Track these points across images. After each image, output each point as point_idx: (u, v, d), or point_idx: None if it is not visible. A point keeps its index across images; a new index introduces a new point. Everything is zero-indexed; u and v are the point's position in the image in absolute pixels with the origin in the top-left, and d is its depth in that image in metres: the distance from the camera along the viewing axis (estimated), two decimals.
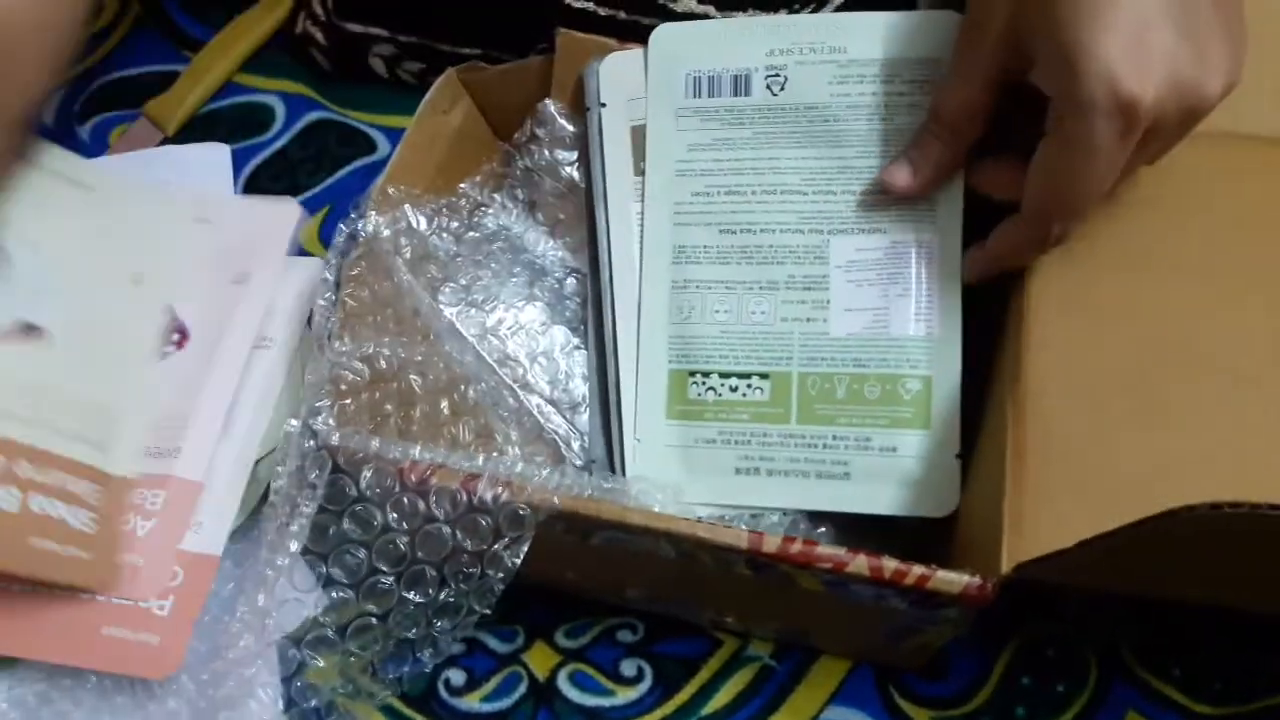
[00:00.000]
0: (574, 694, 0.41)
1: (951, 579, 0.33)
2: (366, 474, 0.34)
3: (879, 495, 0.40)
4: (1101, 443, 0.32)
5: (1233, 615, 0.39)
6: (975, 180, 0.39)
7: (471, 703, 0.41)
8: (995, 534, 0.33)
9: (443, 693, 0.41)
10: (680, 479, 0.41)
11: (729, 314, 0.41)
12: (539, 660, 0.42)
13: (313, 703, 0.36)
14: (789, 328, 0.41)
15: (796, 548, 0.33)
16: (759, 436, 0.41)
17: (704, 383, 0.41)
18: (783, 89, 0.41)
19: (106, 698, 0.39)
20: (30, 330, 0.41)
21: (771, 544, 0.33)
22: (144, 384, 0.43)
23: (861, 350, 0.40)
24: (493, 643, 0.42)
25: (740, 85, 0.42)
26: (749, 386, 0.41)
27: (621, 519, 0.34)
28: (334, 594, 0.35)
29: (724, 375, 0.41)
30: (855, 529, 0.40)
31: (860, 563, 0.33)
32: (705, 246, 0.42)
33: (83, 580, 0.39)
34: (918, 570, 0.33)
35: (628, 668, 0.42)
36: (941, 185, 0.40)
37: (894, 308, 0.40)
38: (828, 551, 0.33)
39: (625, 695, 0.41)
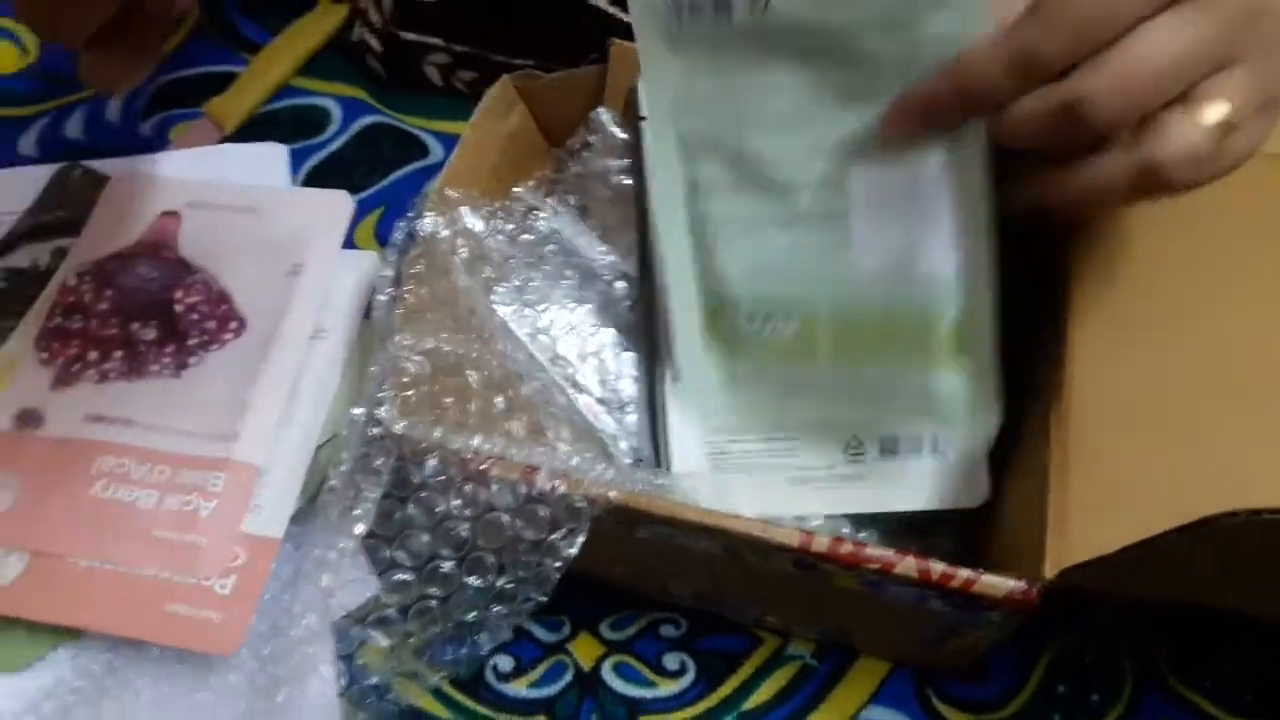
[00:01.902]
0: (618, 684, 0.42)
1: (997, 582, 0.34)
2: (431, 462, 0.36)
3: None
4: (1143, 454, 0.33)
5: (1266, 626, 0.40)
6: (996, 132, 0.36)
7: (519, 689, 0.42)
8: (1038, 540, 0.34)
9: (490, 678, 0.42)
10: (723, 421, 0.41)
11: (753, 249, 0.40)
12: (584, 651, 0.43)
13: (372, 680, 0.37)
14: (811, 263, 0.40)
15: (846, 548, 0.34)
16: (792, 377, 0.41)
17: (733, 320, 0.41)
18: (767, 6, 0.37)
19: (169, 670, 0.40)
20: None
21: (821, 544, 0.35)
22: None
23: (889, 286, 0.39)
24: (540, 632, 0.43)
25: (721, 4, 0.38)
26: (777, 326, 0.41)
27: (674, 514, 0.36)
28: (396, 576, 0.36)
29: (750, 316, 0.41)
30: (894, 534, 0.42)
31: (909, 564, 0.34)
32: (718, 181, 0.40)
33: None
34: (964, 573, 0.34)
35: (670, 661, 0.43)
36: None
37: (922, 244, 0.38)
38: (876, 552, 0.34)
39: (668, 688, 0.42)
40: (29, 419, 0.45)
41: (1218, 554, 0.31)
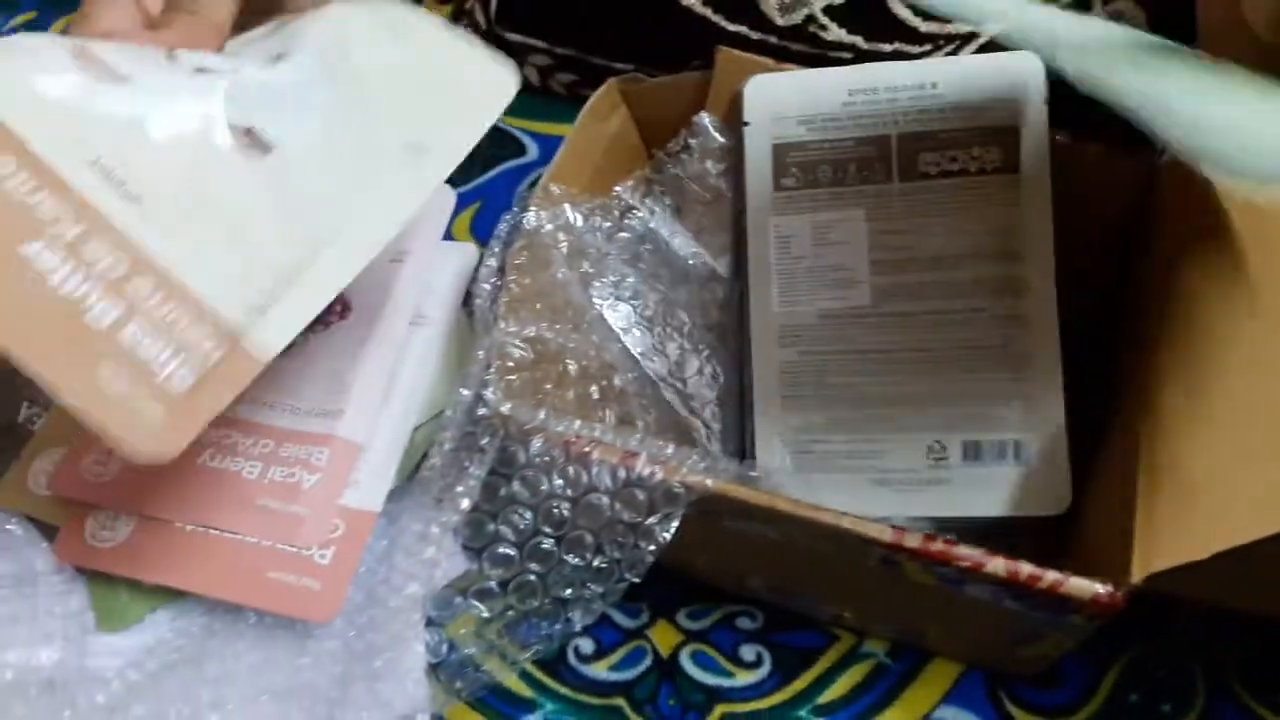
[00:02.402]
0: (695, 671, 0.43)
1: (1084, 585, 0.34)
2: (535, 443, 0.37)
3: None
4: (1237, 460, 0.34)
5: None
6: None
7: (599, 670, 0.43)
8: (1121, 546, 0.35)
9: (572, 659, 0.43)
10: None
11: None
12: (662, 637, 0.44)
13: (462, 653, 0.39)
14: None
15: (937, 545, 0.36)
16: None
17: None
18: None
19: (267, 634, 0.42)
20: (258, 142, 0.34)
21: (913, 539, 0.36)
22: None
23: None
24: (619, 618, 0.44)
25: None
26: None
27: (768, 505, 0.37)
28: (499, 550, 0.37)
29: None
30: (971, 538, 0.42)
31: (997, 564, 0.35)
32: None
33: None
34: (1052, 575, 0.35)
35: (747, 652, 0.44)
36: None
37: None
38: (966, 551, 0.35)
39: (744, 678, 0.43)
40: None
41: None
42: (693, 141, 0.48)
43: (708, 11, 0.50)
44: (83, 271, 0.28)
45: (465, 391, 0.40)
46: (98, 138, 0.30)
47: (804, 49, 0.51)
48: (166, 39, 0.34)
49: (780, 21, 0.50)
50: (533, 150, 0.57)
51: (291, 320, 0.32)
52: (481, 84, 0.37)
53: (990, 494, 0.42)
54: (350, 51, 0.35)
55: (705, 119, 0.48)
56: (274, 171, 0.32)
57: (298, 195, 0.33)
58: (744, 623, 0.45)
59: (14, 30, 0.63)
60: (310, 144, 0.33)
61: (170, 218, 0.30)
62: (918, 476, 0.43)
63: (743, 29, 0.51)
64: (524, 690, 0.43)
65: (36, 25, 0.63)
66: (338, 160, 0.33)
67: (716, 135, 0.48)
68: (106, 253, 0.29)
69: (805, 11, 0.50)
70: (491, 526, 0.37)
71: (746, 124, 0.46)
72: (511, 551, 0.37)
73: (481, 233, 0.53)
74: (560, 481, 0.37)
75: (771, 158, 0.46)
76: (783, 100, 0.46)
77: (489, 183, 0.56)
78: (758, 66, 0.47)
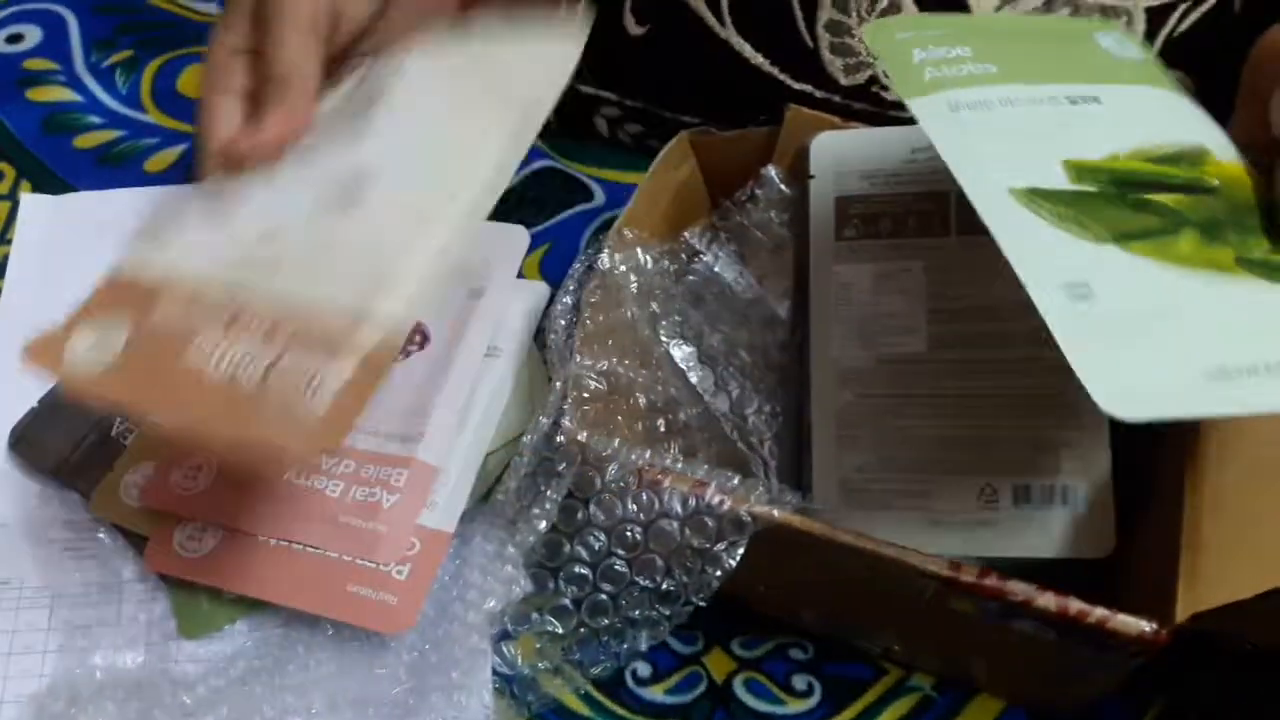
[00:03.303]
0: (749, 699, 0.45)
1: (1130, 622, 0.36)
2: (610, 469, 0.39)
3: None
4: (1276, 506, 0.36)
5: None
6: None
7: (656, 694, 0.45)
8: (1166, 587, 0.37)
9: (630, 682, 0.45)
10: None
11: None
12: (717, 665, 0.46)
13: (541, 665, 0.41)
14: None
15: (991, 580, 0.37)
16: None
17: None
18: None
19: (344, 645, 0.44)
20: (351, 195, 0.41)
21: (969, 574, 0.38)
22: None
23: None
24: (675, 644, 0.46)
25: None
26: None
27: (830, 536, 0.39)
28: (575, 569, 0.40)
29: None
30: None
31: (1048, 599, 0.37)
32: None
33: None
34: (1099, 612, 0.37)
35: (799, 682, 0.45)
36: None
37: None
38: (1018, 586, 0.37)
39: (796, 707, 0.45)
40: None
41: None
42: (759, 192, 0.51)
43: (775, 70, 0.53)
44: (235, 343, 0.36)
45: (543, 420, 0.42)
46: (232, 251, 0.39)
47: (866, 107, 0.53)
48: (271, 126, 0.43)
49: (844, 81, 0.53)
50: (599, 196, 0.60)
51: (408, 287, 0.37)
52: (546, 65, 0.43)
53: (1038, 536, 0.44)
54: (420, 100, 0.43)
55: (771, 171, 0.51)
56: (368, 209, 0.40)
57: (394, 209, 0.40)
58: (796, 653, 0.46)
59: (111, 68, 0.67)
60: (400, 178, 0.41)
61: (298, 270, 0.38)
62: (969, 517, 0.45)
63: (808, 88, 0.54)
64: (584, 709, 0.45)
65: (132, 63, 0.66)
66: (426, 181, 0.40)
67: (781, 186, 0.50)
68: (253, 316, 0.37)
69: (869, 73, 0.52)
70: (568, 548, 0.40)
71: (812, 176, 0.49)
72: (586, 571, 0.40)
73: (550, 272, 0.56)
74: (633, 507, 0.39)
75: (834, 209, 0.49)
76: (847, 155, 0.49)
77: (558, 225, 0.59)
78: (824, 124, 0.50)
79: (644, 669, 0.46)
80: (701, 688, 0.45)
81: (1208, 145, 0.38)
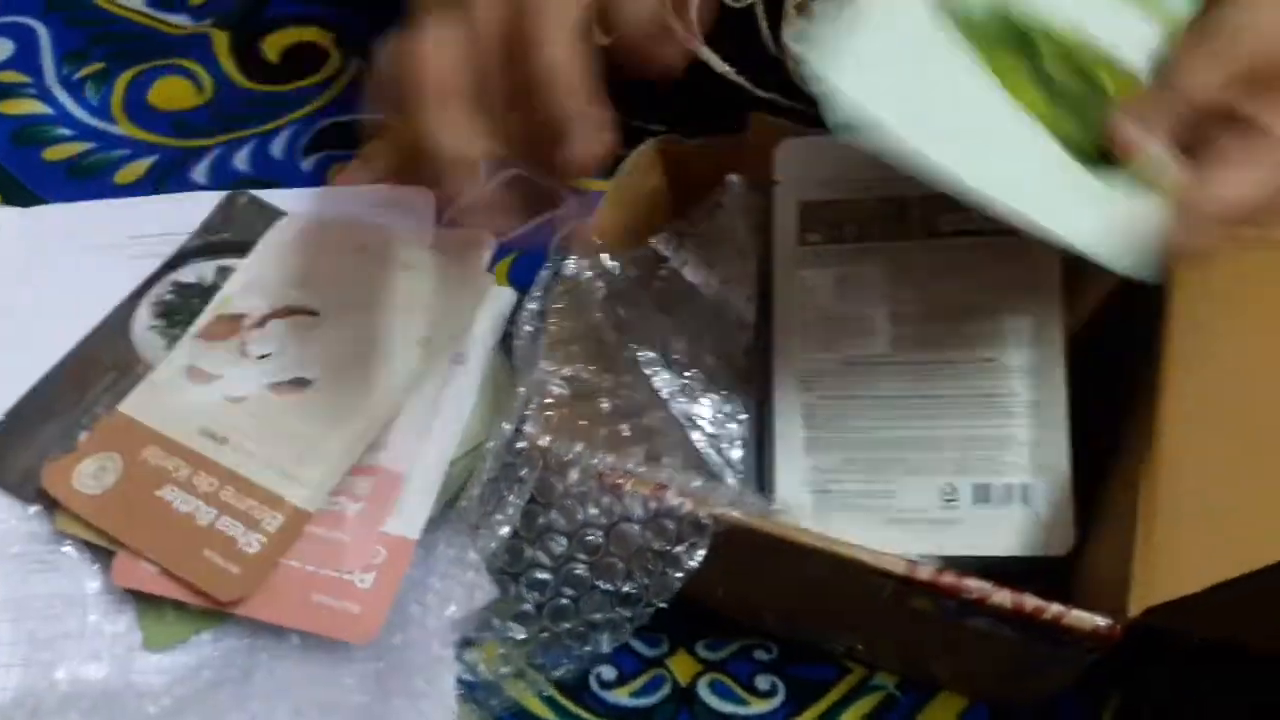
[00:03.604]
0: (713, 700, 0.45)
1: (1085, 617, 0.37)
2: (572, 474, 0.40)
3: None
4: (1230, 503, 0.36)
5: None
6: None
7: (620, 696, 0.45)
8: (1120, 583, 0.37)
9: (594, 686, 0.45)
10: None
11: None
12: (681, 667, 0.46)
13: (503, 670, 0.41)
14: None
15: (947, 578, 0.38)
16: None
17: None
18: None
19: (310, 654, 0.44)
20: (299, 383, 0.49)
21: (925, 572, 0.38)
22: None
23: None
24: (640, 647, 0.46)
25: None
26: None
27: (788, 536, 0.39)
28: (536, 575, 0.40)
29: None
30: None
31: (1004, 596, 0.37)
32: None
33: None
34: (1055, 608, 0.37)
35: (762, 682, 0.46)
36: None
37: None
38: (975, 584, 0.38)
39: (759, 707, 0.45)
40: None
41: None
42: (724, 199, 0.51)
43: (741, 79, 0.54)
44: (193, 494, 0.46)
45: (506, 425, 0.42)
46: (200, 414, 0.48)
47: None
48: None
49: (809, 89, 0.53)
50: (568, 203, 0.61)
51: (326, 483, 0.46)
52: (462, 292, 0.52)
53: (998, 534, 0.44)
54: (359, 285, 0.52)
55: (735, 179, 0.51)
56: (311, 397, 0.48)
57: (329, 403, 0.48)
58: (760, 654, 0.47)
59: (82, 80, 0.67)
60: (337, 369, 0.49)
61: (246, 444, 0.47)
62: (929, 516, 0.45)
63: (773, 95, 0.54)
64: (548, 714, 0.45)
65: (104, 75, 0.67)
66: (359, 373, 0.49)
67: (746, 193, 0.51)
68: (206, 478, 0.46)
69: None
70: (529, 553, 0.40)
71: (776, 182, 0.49)
72: (547, 576, 0.40)
73: (518, 278, 0.56)
74: (594, 511, 0.39)
75: (798, 214, 0.49)
76: (811, 162, 0.49)
77: (526, 233, 0.59)
78: (788, 131, 0.50)
79: (609, 672, 0.46)
80: (666, 690, 0.45)
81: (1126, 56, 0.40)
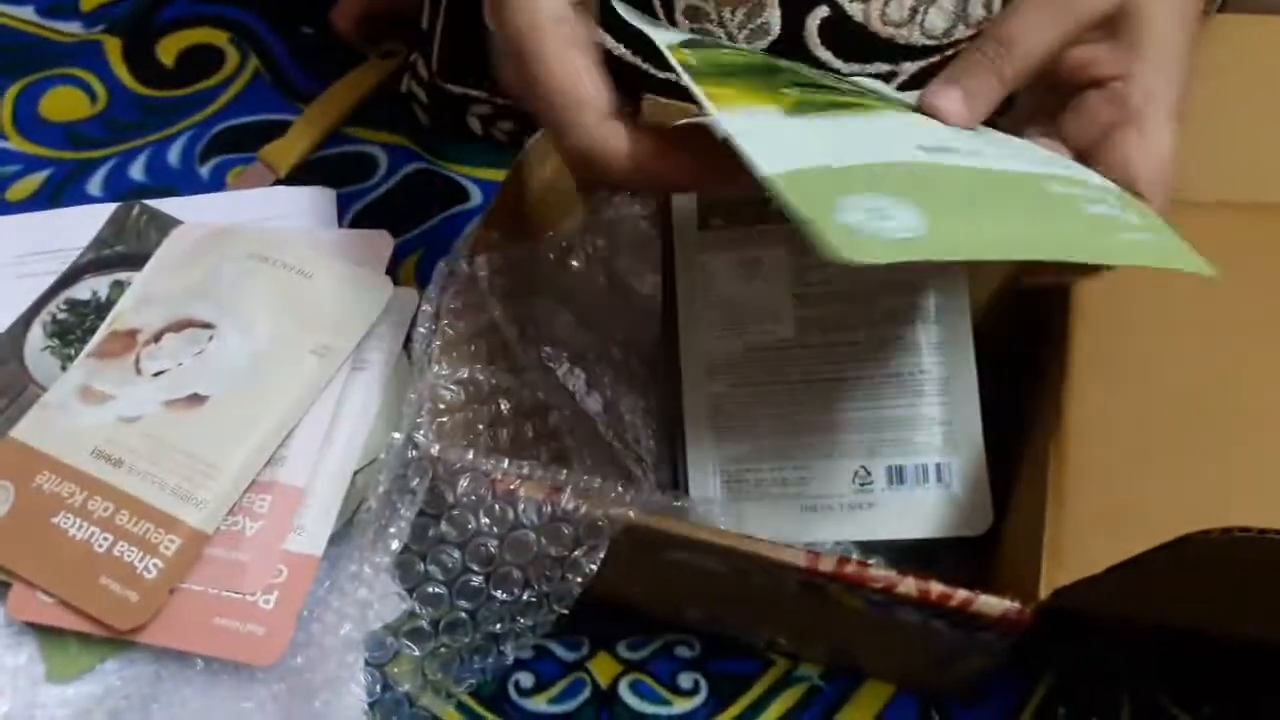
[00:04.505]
0: (634, 701, 0.44)
1: (993, 603, 0.36)
2: (463, 482, 0.38)
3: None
4: (1135, 483, 0.36)
5: (1267, 657, 0.42)
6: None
7: (539, 704, 0.44)
8: (1034, 565, 0.36)
9: (513, 694, 0.44)
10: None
11: None
12: (602, 669, 0.45)
13: (401, 691, 0.40)
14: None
15: (851, 568, 0.37)
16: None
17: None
18: None
19: (213, 679, 0.43)
20: (195, 399, 0.47)
21: (827, 563, 0.37)
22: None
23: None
24: (559, 651, 0.45)
25: None
26: None
27: (687, 535, 0.38)
28: (429, 590, 0.38)
29: None
30: (900, 561, 0.44)
31: (909, 584, 0.36)
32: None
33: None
34: (962, 594, 0.36)
35: (685, 680, 0.45)
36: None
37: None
38: (879, 573, 0.37)
39: (681, 706, 0.44)
40: None
41: (1199, 574, 0.32)
42: None
43: (637, 60, 0.52)
44: (88, 520, 0.44)
45: (398, 435, 0.41)
46: (94, 436, 0.47)
47: None
48: None
49: None
50: (477, 196, 0.59)
51: (224, 503, 0.45)
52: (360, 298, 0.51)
53: (915, 517, 0.43)
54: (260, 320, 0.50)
55: None
56: (207, 413, 0.47)
57: (225, 418, 0.47)
58: (682, 651, 0.45)
59: None
60: (234, 383, 0.48)
61: (141, 465, 0.46)
62: (845, 501, 0.44)
63: (671, 76, 0.52)
64: None
65: None
66: (256, 385, 0.48)
67: None
68: (101, 503, 0.45)
69: None
70: (421, 566, 0.38)
71: None
72: (441, 590, 0.39)
73: (426, 278, 0.55)
74: (487, 520, 0.38)
75: (698, 200, 0.48)
76: None
77: (433, 229, 0.58)
78: (682, 112, 0.48)
79: (526, 679, 0.45)
80: (585, 694, 0.44)
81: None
